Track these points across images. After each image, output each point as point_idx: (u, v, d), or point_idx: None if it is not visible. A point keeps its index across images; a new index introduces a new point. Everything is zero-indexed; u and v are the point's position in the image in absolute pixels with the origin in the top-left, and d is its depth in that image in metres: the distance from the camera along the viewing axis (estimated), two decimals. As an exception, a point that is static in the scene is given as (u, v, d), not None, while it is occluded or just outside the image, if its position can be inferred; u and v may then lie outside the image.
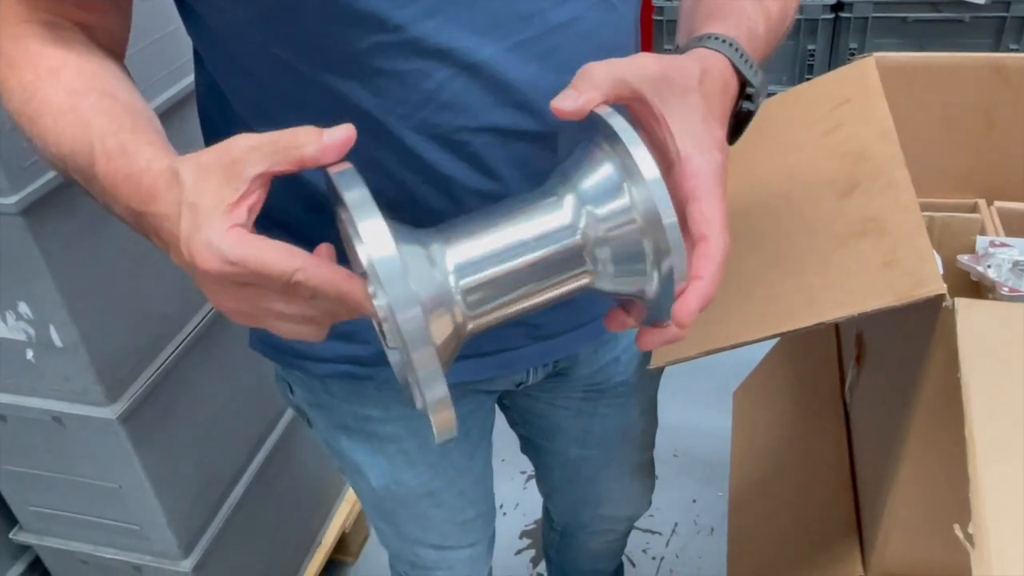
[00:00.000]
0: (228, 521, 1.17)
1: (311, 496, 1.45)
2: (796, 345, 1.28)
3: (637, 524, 1.58)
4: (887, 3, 1.67)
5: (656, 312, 0.48)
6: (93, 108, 0.52)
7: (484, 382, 0.78)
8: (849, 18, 1.71)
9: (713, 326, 0.79)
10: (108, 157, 0.49)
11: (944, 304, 0.65)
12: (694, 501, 1.62)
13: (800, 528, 1.04)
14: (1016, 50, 1.65)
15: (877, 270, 0.71)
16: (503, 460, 1.71)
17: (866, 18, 1.70)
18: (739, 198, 0.94)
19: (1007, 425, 0.59)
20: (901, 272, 0.69)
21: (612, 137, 0.44)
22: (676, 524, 1.58)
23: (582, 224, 0.46)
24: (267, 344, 0.75)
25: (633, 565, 1.51)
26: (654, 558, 1.52)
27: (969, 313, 0.64)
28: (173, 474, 1.07)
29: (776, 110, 1.10)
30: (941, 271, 0.70)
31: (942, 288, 0.65)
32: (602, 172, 0.46)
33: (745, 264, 0.85)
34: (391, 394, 0.75)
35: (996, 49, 1.66)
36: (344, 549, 1.55)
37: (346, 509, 1.52)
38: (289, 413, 1.31)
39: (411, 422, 0.78)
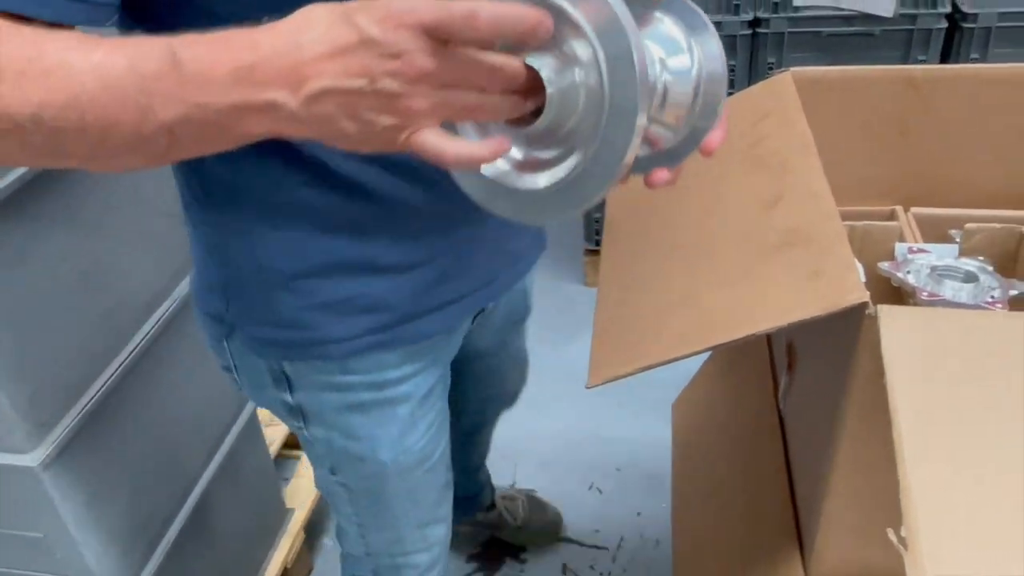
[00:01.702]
0: (163, 565, 1.13)
1: (251, 532, 1.41)
2: (730, 354, 1.30)
3: (583, 540, 1.59)
4: (802, 19, 1.72)
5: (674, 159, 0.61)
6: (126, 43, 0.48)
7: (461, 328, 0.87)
8: (766, 33, 1.76)
9: (647, 342, 0.80)
10: (189, 43, 0.46)
11: (867, 312, 0.66)
12: (639, 514, 1.62)
13: (742, 536, 1.05)
14: (924, 60, 1.71)
15: (802, 280, 0.72)
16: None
17: (782, 33, 1.75)
18: (669, 213, 0.95)
19: (934, 428, 0.60)
20: (825, 282, 0.70)
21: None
22: (622, 538, 1.58)
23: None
24: (285, 340, 0.76)
25: (580, 583, 1.51)
26: (601, 574, 1.52)
27: (891, 320, 0.66)
28: (103, 519, 1.02)
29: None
30: (863, 279, 0.72)
31: (865, 296, 0.66)
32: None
33: (677, 278, 0.85)
34: (408, 348, 0.80)
35: (906, 59, 1.72)
36: (287, 585, 1.51)
37: (287, 543, 1.47)
38: (227, 447, 1.28)
39: (420, 373, 0.83)
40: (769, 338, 1.18)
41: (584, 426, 1.81)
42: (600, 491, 1.68)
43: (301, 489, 1.59)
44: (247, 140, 0.50)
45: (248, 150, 0.52)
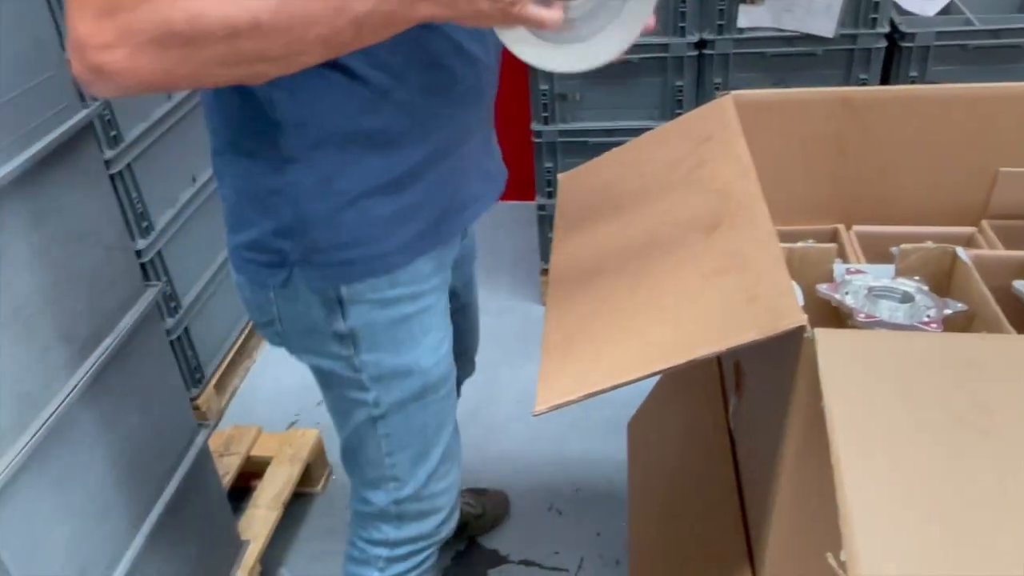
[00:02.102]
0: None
1: (205, 566, 1.37)
2: (683, 373, 1.31)
3: (543, 563, 1.58)
4: (746, 40, 1.75)
5: None
6: None
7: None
8: (712, 55, 1.78)
9: (593, 368, 0.80)
10: None
11: (805, 335, 0.67)
12: (598, 534, 1.62)
13: (697, 556, 1.05)
14: (865, 79, 1.74)
15: (741, 305, 0.73)
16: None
17: (727, 55, 1.77)
18: (614, 241, 0.96)
19: (871, 450, 0.60)
20: (763, 306, 0.71)
21: None
22: (582, 559, 1.57)
23: None
24: (349, 260, 0.89)
25: (542, 606, 1.50)
26: (562, 596, 1.51)
27: (828, 342, 0.67)
28: (42, 562, 0.99)
29: (646, 148, 1.13)
30: (802, 302, 0.73)
31: (802, 320, 0.67)
32: None
33: (621, 305, 0.86)
34: (439, 251, 0.94)
35: (848, 78, 1.75)
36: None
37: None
38: (178, 479, 1.24)
39: (442, 285, 0.98)
40: (719, 357, 1.19)
41: (542, 447, 1.81)
42: (559, 512, 1.67)
43: (256, 520, 1.56)
44: (412, 24, 0.64)
45: (313, 87, 0.76)
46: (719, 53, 1.77)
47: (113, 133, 1.59)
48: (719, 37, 1.76)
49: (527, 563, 1.57)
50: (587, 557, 1.57)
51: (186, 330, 1.83)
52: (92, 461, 1.07)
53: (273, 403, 1.99)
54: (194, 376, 1.87)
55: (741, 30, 1.74)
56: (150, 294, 1.18)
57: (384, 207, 0.88)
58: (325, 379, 1.03)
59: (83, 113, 1.03)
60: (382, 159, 0.86)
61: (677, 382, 1.33)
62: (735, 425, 1.07)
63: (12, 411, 0.94)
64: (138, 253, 1.67)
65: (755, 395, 0.93)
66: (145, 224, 1.69)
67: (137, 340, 1.14)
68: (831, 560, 0.57)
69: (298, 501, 1.72)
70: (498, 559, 1.59)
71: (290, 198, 0.87)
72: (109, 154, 1.57)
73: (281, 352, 2.00)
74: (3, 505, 0.92)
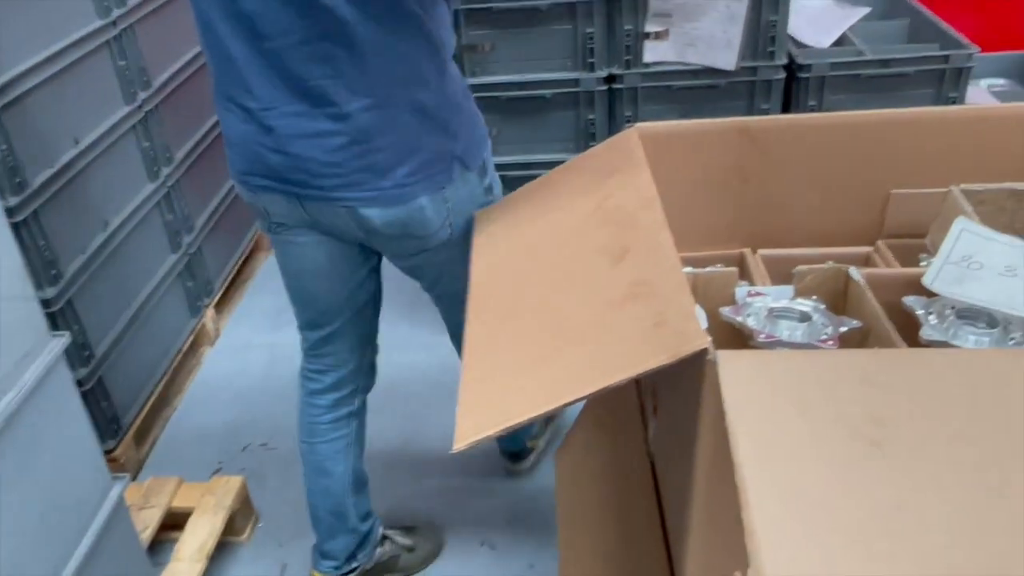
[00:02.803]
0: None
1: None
2: (605, 400, 1.32)
3: (478, 599, 1.57)
4: (652, 74, 1.80)
5: None
6: None
7: None
8: (621, 89, 1.83)
9: (509, 402, 0.80)
10: None
11: (708, 357, 0.69)
12: (531, 566, 1.61)
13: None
14: (767, 109, 1.80)
15: (649, 331, 0.74)
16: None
17: (636, 88, 1.82)
18: (528, 276, 0.97)
19: (774, 467, 0.62)
20: (669, 331, 0.72)
21: None
22: (515, 594, 1.56)
23: None
24: (485, 142, 1.28)
25: (476, 642, 1.48)
26: (497, 632, 1.50)
27: (730, 363, 0.68)
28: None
29: (557, 182, 1.15)
30: (705, 325, 0.75)
31: (705, 343, 0.68)
32: None
33: (535, 337, 0.86)
34: None
35: (751, 108, 1.81)
36: None
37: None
38: (91, 537, 1.19)
39: None
40: (638, 382, 1.20)
41: (473, 480, 1.80)
42: (492, 547, 1.66)
43: (179, 573, 1.51)
44: None
45: (438, 12, 1.12)
46: (628, 87, 1.82)
47: (18, 180, 1.54)
48: (627, 72, 1.80)
49: (461, 600, 1.56)
50: (520, 591, 1.57)
51: (100, 380, 1.77)
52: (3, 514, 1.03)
53: (195, 451, 1.94)
54: (110, 427, 1.80)
55: (647, 65, 1.79)
56: (56, 344, 1.14)
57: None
58: None
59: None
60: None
61: (600, 409, 1.34)
62: (654, 450, 1.08)
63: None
64: (46, 302, 1.61)
65: (669, 419, 0.95)
66: (54, 272, 1.63)
67: (44, 392, 1.10)
68: (739, 577, 0.58)
69: (223, 552, 1.67)
70: (431, 598, 1.57)
71: (452, 106, 1.18)
72: (13, 201, 1.52)
73: (204, 398, 2.02)
74: None
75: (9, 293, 1.05)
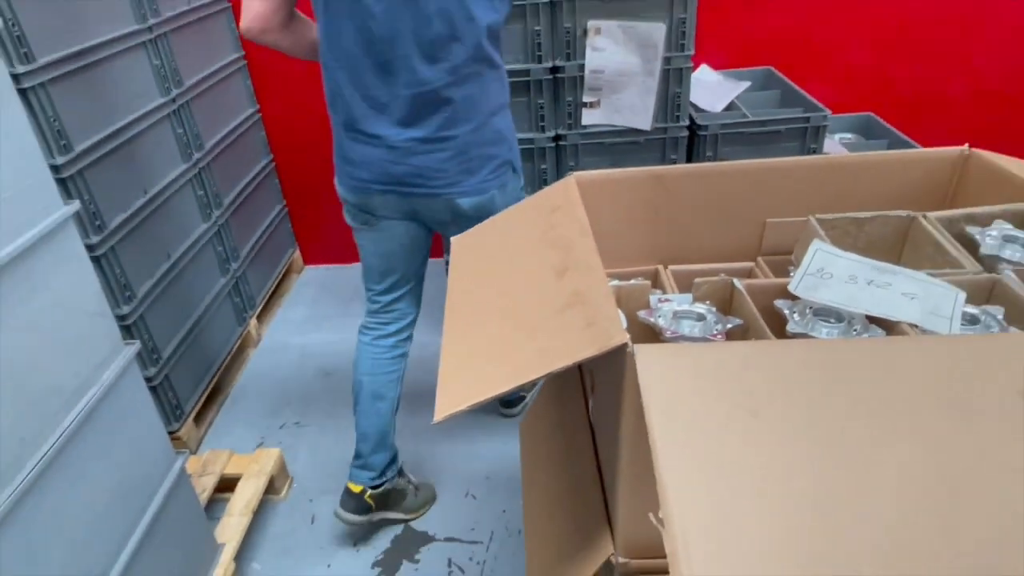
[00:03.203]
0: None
1: (186, 568, 1.30)
2: (557, 382, 1.32)
3: (462, 538, 1.55)
4: (589, 133, 1.81)
5: None
6: None
7: None
8: (565, 145, 1.84)
9: (476, 383, 0.79)
10: None
11: (627, 350, 0.69)
12: (504, 512, 1.61)
13: (572, 523, 1.05)
14: (675, 159, 1.83)
15: (583, 329, 0.74)
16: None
17: (577, 144, 1.83)
18: (492, 287, 0.96)
19: (679, 434, 0.62)
20: (598, 330, 0.72)
21: None
22: (492, 532, 1.55)
23: None
24: (516, 151, 1.36)
25: (462, 572, 1.47)
26: (479, 563, 1.49)
27: (644, 354, 0.68)
28: (41, 579, 0.91)
29: (515, 216, 1.14)
30: (625, 325, 0.75)
31: (625, 339, 0.69)
32: None
33: (498, 332, 0.86)
34: None
35: (662, 158, 1.83)
36: (222, 608, 1.40)
37: (219, 573, 1.37)
38: (158, 500, 1.17)
39: None
40: (581, 367, 1.20)
41: (459, 447, 1.79)
42: (474, 497, 1.65)
43: (230, 526, 1.49)
44: None
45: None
46: (571, 144, 1.83)
47: (97, 222, 1.51)
48: (570, 132, 1.81)
49: (450, 539, 1.55)
50: (496, 530, 1.56)
51: (167, 376, 1.74)
52: (83, 490, 1.01)
53: (243, 430, 1.91)
54: (175, 412, 1.78)
55: (585, 127, 1.80)
56: (129, 351, 1.12)
57: None
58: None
59: (63, 209, 0.98)
60: None
61: (553, 387, 1.34)
62: (593, 418, 1.08)
63: (10, 453, 0.88)
64: (122, 317, 1.58)
65: (603, 395, 0.95)
66: (128, 293, 1.61)
67: (119, 389, 1.08)
68: (652, 518, 0.58)
69: (264, 507, 1.65)
70: (427, 539, 1.56)
71: (509, 126, 1.31)
72: (94, 239, 1.50)
73: (250, 388, 1.99)
74: (2, 535, 0.85)
75: (90, 311, 1.03)
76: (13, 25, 1.30)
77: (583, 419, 1.14)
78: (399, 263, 1.41)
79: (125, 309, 1.59)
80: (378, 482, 1.50)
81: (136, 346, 1.13)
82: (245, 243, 2.25)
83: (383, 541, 1.54)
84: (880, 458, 0.59)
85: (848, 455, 0.59)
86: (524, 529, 1.21)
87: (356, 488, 1.48)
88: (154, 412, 1.20)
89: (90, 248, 1.49)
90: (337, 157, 1.31)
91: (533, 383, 0.87)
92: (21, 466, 0.89)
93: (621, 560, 0.85)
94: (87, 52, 1.50)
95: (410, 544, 1.54)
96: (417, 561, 1.50)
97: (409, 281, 1.45)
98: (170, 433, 1.75)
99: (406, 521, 1.58)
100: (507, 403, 1.85)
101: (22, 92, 1.33)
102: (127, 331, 1.60)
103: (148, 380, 1.67)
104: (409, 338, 1.52)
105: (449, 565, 1.49)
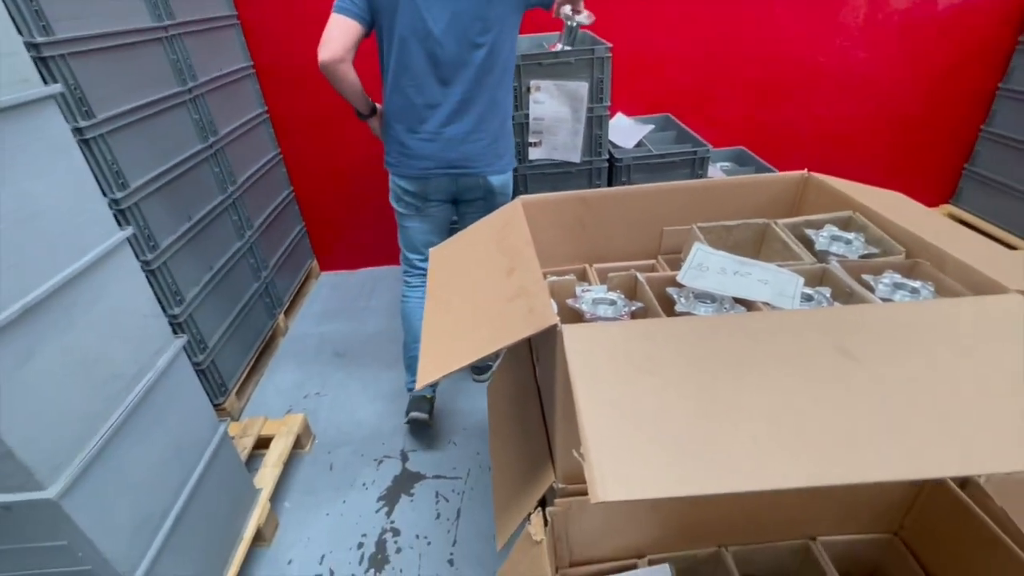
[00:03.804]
0: (166, 540, 0.99)
1: (231, 508, 1.27)
2: (513, 354, 1.32)
3: (447, 475, 1.55)
4: (534, 166, 1.81)
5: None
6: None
7: None
8: (517, 176, 1.83)
9: (446, 357, 0.79)
10: None
11: (557, 329, 0.70)
12: (478, 454, 1.61)
13: (525, 459, 1.06)
14: (599, 184, 1.84)
15: (526, 315, 0.75)
16: (362, 455, 1.61)
17: (526, 175, 1.83)
18: (459, 285, 0.96)
19: (595, 390, 0.63)
20: (536, 315, 0.73)
21: None
22: (469, 470, 1.55)
23: None
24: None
25: (447, 501, 1.47)
26: (459, 493, 1.49)
27: (569, 332, 0.70)
28: (111, 525, 0.88)
29: (477, 231, 1.14)
30: (556, 310, 0.76)
31: (555, 320, 0.70)
32: None
33: (460, 319, 0.86)
34: None
35: (590, 183, 1.84)
36: (260, 538, 1.37)
37: (257, 512, 1.34)
38: (206, 457, 1.15)
39: None
40: (530, 342, 1.21)
41: (444, 405, 1.79)
42: (455, 444, 1.65)
43: (266, 475, 1.46)
44: None
45: None
46: (521, 174, 1.83)
47: (152, 243, 1.46)
48: (521, 165, 1.81)
49: (437, 477, 1.54)
50: (472, 468, 1.56)
51: (213, 361, 1.70)
52: (145, 451, 0.98)
53: (275, 400, 1.88)
54: (220, 389, 1.73)
55: (531, 161, 1.80)
56: (178, 343, 1.09)
57: None
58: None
59: (118, 234, 0.95)
60: None
61: (511, 357, 1.34)
62: (539, 381, 1.09)
63: (84, 425, 0.85)
64: (175, 316, 1.54)
65: (544, 363, 0.96)
66: (178, 297, 1.56)
67: (171, 373, 1.06)
68: (575, 453, 0.59)
69: (293, 460, 1.62)
70: (420, 477, 1.55)
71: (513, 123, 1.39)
72: (150, 256, 1.45)
73: (280, 368, 1.94)
74: (77, 491, 0.82)
75: (145, 313, 1.01)
76: (75, 88, 1.24)
77: (532, 381, 1.15)
78: (437, 238, 1.49)
79: (176, 310, 1.54)
80: (431, 391, 1.63)
81: (184, 339, 1.10)
82: (272, 255, 2.20)
83: (385, 480, 1.53)
84: (741, 399, 0.61)
85: (719, 398, 0.61)
86: (488, 464, 1.22)
87: (427, 396, 1.61)
88: (200, 389, 1.17)
89: (146, 263, 1.44)
90: (398, 155, 1.38)
91: (496, 354, 0.88)
92: (92, 435, 0.86)
93: (560, 486, 0.86)
94: (139, 109, 1.45)
95: (407, 482, 1.53)
96: (412, 495, 1.49)
97: None
98: (217, 405, 1.71)
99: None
100: (478, 371, 1.85)
101: (84, 143, 1.28)
102: (179, 327, 1.55)
103: (197, 364, 1.62)
104: None
105: (437, 496, 1.49)
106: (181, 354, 1.09)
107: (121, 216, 1.37)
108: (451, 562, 1.31)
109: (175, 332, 1.52)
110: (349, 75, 1.28)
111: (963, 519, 0.80)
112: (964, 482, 0.82)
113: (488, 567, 1.29)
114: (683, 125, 2.03)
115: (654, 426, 0.59)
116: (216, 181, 1.82)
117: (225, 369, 1.76)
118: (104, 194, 1.33)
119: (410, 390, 1.65)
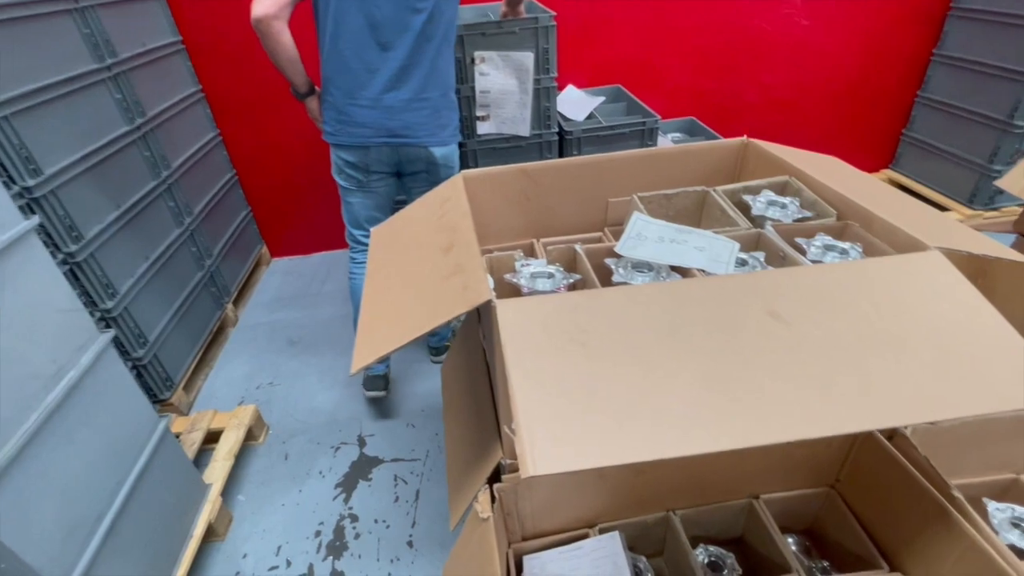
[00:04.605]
0: (103, 544, 0.95)
1: (179, 505, 1.23)
2: (464, 333, 1.31)
3: (405, 457, 1.54)
4: (484, 140, 1.78)
5: None
6: None
7: None
8: (466, 151, 1.80)
9: (384, 339, 0.77)
10: None
11: (492, 304, 0.69)
12: (436, 434, 1.60)
13: (475, 437, 1.06)
14: (550, 156, 1.82)
15: (462, 292, 0.73)
16: (318, 443, 1.58)
17: (475, 150, 1.80)
18: (399, 262, 0.94)
19: (527, 363, 0.62)
20: (471, 292, 0.72)
21: None
22: (428, 451, 1.55)
23: None
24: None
25: (406, 483, 1.46)
26: (418, 475, 1.48)
27: (503, 306, 0.68)
28: (35, 532, 0.84)
29: (419, 207, 1.11)
30: (492, 286, 0.74)
31: (490, 296, 0.68)
32: None
33: (400, 299, 0.84)
34: None
35: (541, 157, 1.82)
36: (213, 534, 1.33)
37: (208, 507, 1.30)
38: (145, 456, 1.10)
39: None
40: (480, 318, 1.20)
41: (401, 388, 1.76)
42: (413, 426, 1.64)
43: (216, 469, 1.42)
44: None
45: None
46: (471, 150, 1.79)
47: (75, 234, 1.37)
48: (469, 140, 1.77)
49: (396, 460, 1.53)
50: (430, 449, 1.56)
51: (155, 355, 1.62)
52: (72, 452, 0.93)
53: (226, 392, 1.82)
54: (166, 383, 1.66)
55: (480, 136, 1.77)
56: (105, 337, 1.03)
57: None
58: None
59: (22, 224, 0.88)
60: None
61: (463, 336, 1.33)
62: (487, 356, 1.08)
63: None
64: (108, 310, 1.46)
65: (488, 340, 0.95)
66: (111, 290, 1.48)
67: (98, 368, 1.00)
68: (507, 429, 0.59)
69: (245, 452, 1.58)
70: (378, 461, 1.53)
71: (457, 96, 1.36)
72: (73, 247, 1.36)
73: (231, 359, 1.89)
74: (2, 490, 0.77)
75: (62, 308, 0.94)
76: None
77: (483, 360, 1.14)
78: (382, 214, 1.48)
79: (109, 304, 1.46)
80: (386, 369, 1.65)
81: (111, 334, 1.04)
82: (216, 243, 2.10)
83: (343, 466, 1.51)
84: (674, 364, 0.61)
85: (651, 366, 0.61)
86: (444, 444, 1.21)
87: (380, 374, 1.63)
88: (135, 386, 1.12)
89: (69, 255, 1.35)
90: (336, 124, 1.34)
91: (427, 332, 0.86)
92: (6, 440, 0.80)
93: (508, 462, 0.86)
94: (49, 88, 1.34)
95: (364, 467, 1.51)
96: (370, 479, 1.48)
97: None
98: (163, 400, 1.64)
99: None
100: (435, 352, 1.83)
101: (-13, 125, 1.18)
102: (113, 321, 1.47)
103: (137, 360, 1.55)
104: None
105: (395, 480, 1.48)
106: (110, 349, 1.03)
107: (35, 205, 1.28)
108: (410, 544, 1.31)
109: (107, 326, 1.45)
110: (283, 36, 1.22)
111: (891, 469, 0.83)
112: (891, 434, 0.85)
113: (448, 547, 1.29)
114: (634, 96, 2.02)
115: (586, 397, 0.58)
116: (148, 165, 1.71)
117: (170, 363, 1.69)
118: (13, 182, 1.23)
119: (375, 372, 1.65)
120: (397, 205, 1.42)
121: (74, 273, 1.38)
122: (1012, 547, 0.84)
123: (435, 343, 1.82)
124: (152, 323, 1.64)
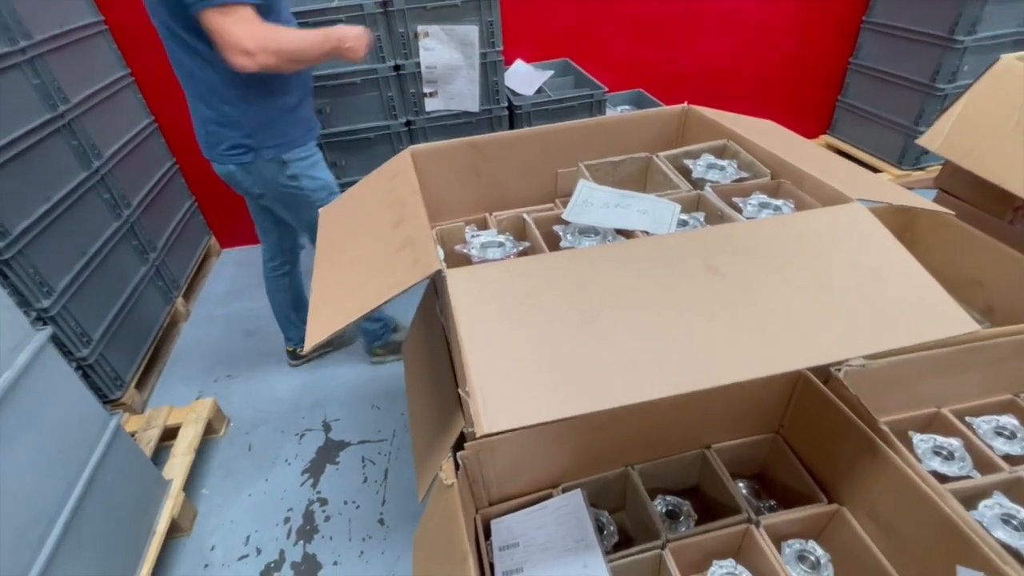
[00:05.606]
0: (58, 546, 0.92)
1: (139, 503, 1.20)
2: (423, 309, 1.31)
3: (372, 439, 1.54)
4: (433, 117, 1.76)
5: None
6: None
7: None
8: (415, 128, 1.78)
9: (336, 314, 0.77)
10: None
11: (442, 274, 0.70)
12: (402, 414, 1.61)
13: (438, 409, 1.06)
14: (501, 129, 1.81)
15: (412, 265, 0.74)
16: (282, 431, 1.57)
17: (424, 128, 1.77)
18: (349, 239, 0.92)
19: (478, 328, 0.64)
20: (422, 263, 0.72)
21: None
22: (394, 431, 1.55)
23: None
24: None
25: (374, 464, 1.47)
26: (385, 455, 1.49)
27: (453, 276, 0.69)
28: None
29: (367, 185, 1.10)
30: (443, 257, 0.75)
31: (440, 266, 0.69)
32: None
33: (350, 274, 0.83)
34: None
35: (492, 131, 1.79)
36: (178, 529, 1.31)
37: (170, 503, 1.28)
38: (97, 455, 1.06)
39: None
40: (437, 293, 1.20)
41: (364, 374, 1.76)
42: (379, 408, 1.64)
43: (176, 465, 1.39)
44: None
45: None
46: (419, 127, 1.77)
47: (1, 230, 1.29)
48: (417, 118, 1.75)
49: (363, 442, 1.53)
50: (396, 429, 1.56)
51: (102, 354, 1.56)
52: (14, 455, 0.89)
53: (183, 388, 1.77)
54: (116, 383, 1.60)
55: (428, 113, 1.75)
56: (41, 335, 0.98)
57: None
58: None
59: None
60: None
61: (423, 312, 1.33)
62: (445, 327, 1.09)
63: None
64: (45, 309, 1.39)
65: (445, 312, 0.96)
66: (46, 288, 1.40)
67: (35, 368, 0.95)
68: (461, 392, 0.60)
69: (206, 446, 1.55)
70: (345, 444, 1.53)
71: (247, 115, 1.20)
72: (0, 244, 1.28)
73: (185, 354, 1.83)
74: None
75: (-9, 305, 0.89)
76: None
77: (442, 336, 1.15)
78: (270, 234, 1.53)
79: (45, 303, 1.39)
80: (298, 345, 1.73)
81: (47, 331, 1.00)
82: (160, 235, 2.02)
83: (309, 452, 1.50)
84: (617, 322, 0.64)
85: (596, 324, 0.63)
86: (409, 421, 1.22)
87: (290, 349, 1.74)
88: (79, 384, 1.08)
89: (-5, 254, 1.27)
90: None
91: (380, 306, 0.85)
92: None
93: (470, 430, 0.87)
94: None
95: (331, 451, 1.51)
96: (338, 463, 1.48)
97: (271, 232, 1.56)
98: (114, 400, 1.58)
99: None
100: (372, 352, 1.78)
101: None
102: (51, 321, 1.40)
103: (82, 359, 1.49)
104: (284, 265, 1.61)
105: (363, 461, 1.48)
106: (48, 348, 0.99)
107: (-47, 201, 1.19)
108: (381, 521, 1.32)
109: (49, 325, 1.38)
110: (285, 43, 1.07)
111: (827, 410, 0.89)
112: (827, 378, 0.92)
113: (419, 521, 1.31)
114: (581, 69, 2.03)
115: (536, 356, 0.60)
116: (76, 156, 1.62)
117: (119, 362, 1.63)
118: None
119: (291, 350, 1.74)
120: (285, 225, 1.48)
121: (2, 272, 1.30)
122: (934, 472, 0.92)
123: (369, 342, 1.76)
124: (96, 321, 1.57)
